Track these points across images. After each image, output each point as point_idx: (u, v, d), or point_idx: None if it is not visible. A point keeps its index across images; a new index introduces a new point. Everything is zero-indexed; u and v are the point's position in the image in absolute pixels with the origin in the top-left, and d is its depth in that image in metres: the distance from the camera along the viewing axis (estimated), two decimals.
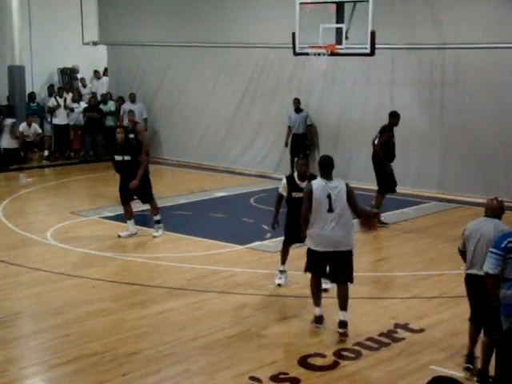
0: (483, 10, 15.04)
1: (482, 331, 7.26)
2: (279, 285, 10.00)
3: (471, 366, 7.32)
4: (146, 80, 21.12)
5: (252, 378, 7.25)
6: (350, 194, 8.32)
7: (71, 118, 21.08)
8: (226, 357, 7.78)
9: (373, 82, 16.71)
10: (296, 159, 17.44)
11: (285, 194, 9.68)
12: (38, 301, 9.61)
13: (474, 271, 7.10)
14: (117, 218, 13.71)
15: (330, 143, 17.51)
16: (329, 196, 8.19)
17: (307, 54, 14.47)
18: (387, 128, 13.52)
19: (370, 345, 8.08)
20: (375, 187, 13.95)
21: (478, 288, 7.03)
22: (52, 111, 20.82)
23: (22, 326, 8.96)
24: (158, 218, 12.68)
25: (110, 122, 21.16)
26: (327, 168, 8.38)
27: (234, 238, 12.43)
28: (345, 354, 7.87)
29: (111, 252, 11.78)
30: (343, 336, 8.19)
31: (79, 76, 23.49)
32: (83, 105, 21.36)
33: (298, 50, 14.61)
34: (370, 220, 9.43)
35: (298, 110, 17.59)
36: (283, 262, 10.04)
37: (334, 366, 7.59)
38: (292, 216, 9.46)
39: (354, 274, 8.57)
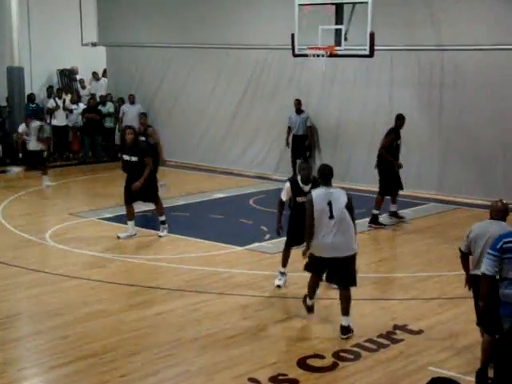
0: (482, 11, 15.05)
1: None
2: (278, 286, 10.01)
3: None
4: (145, 81, 21.13)
5: (251, 380, 7.25)
6: (350, 203, 8.40)
7: (70, 119, 21.09)
8: (225, 358, 7.78)
9: (372, 83, 16.72)
10: (298, 162, 17.50)
11: (287, 198, 9.69)
12: (37, 302, 9.60)
13: (480, 272, 7.12)
14: (116, 219, 13.73)
15: (329, 144, 17.54)
16: (329, 203, 8.27)
17: (306, 55, 14.46)
18: (392, 130, 13.56)
19: (368, 346, 8.07)
20: (374, 188, 13.96)
21: None
22: (51, 112, 20.82)
23: (20, 327, 8.95)
24: (162, 218, 12.73)
25: (108, 123, 21.20)
26: (326, 177, 8.52)
27: (233, 240, 12.43)
28: (344, 355, 7.86)
29: (110, 253, 11.77)
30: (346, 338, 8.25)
31: (78, 77, 23.49)
32: (82, 106, 21.37)
33: (297, 51, 14.62)
34: None
35: (298, 111, 17.60)
36: (284, 264, 10.04)
37: (333, 367, 7.59)
38: (295, 219, 9.51)
39: None
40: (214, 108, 19.66)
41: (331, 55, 14.12)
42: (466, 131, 15.49)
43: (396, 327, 8.60)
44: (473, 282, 7.34)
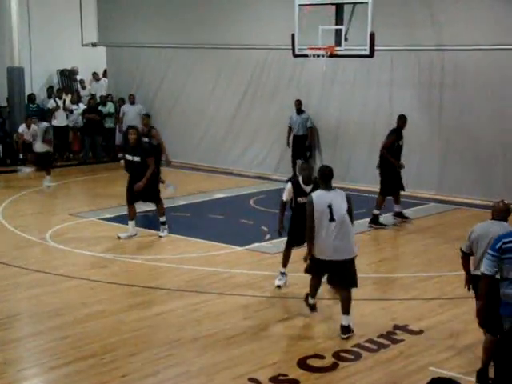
0: (482, 11, 15.05)
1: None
2: (278, 286, 10.01)
3: None
4: (146, 81, 21.14)
5: (251, 380, 7.25)
6: (350, 203, 8.44)
7: (70, 119, 21.08)
8: (226, 358, 7.78)
9: (372, 83, 16.72)
10: (297, 162, 17.48)
11: (289, 199, 9.71)
12: (36, 302, 9.60)
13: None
14: (116, 219, 13.73)
15: (329, 144, 17.54)
16: (329, 206, 8.29)
17: (307, 55, 14.47)
18: (394, 131, 13.56)
19: (369, 346, 8.07)
20: (374, 188, 13.95)
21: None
22: (51, 113, 20.82)
23: (20, 328, 8.95)
24: (163, 219, 12.76)
25: (109, 123, 21.20)
26: (326, 178, 8.54)
27: (233, 240, 12.42)
28: (344, 355, 7.86)
29: (110, 253, 11.77)
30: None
31: (78, 77, 23.49)
32: (82, 106, 21.37)
33: (297, 52, 14.62)
34: None
35: (299, 111, 17.60)
36: (285, 264, 10.05)
37: (333, 367, 7.59)
38: (296, 220, 9.52)
39: None
40: (214, 108, 19.66)
41: (331, 55, 14.13)
42: (465, 131, 15.49)
43: (396, 327, 8.60)
44: (474, 282, 7.34)
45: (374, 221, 13.39)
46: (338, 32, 14.11)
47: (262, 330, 8.56)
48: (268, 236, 12.46)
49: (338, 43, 14.04)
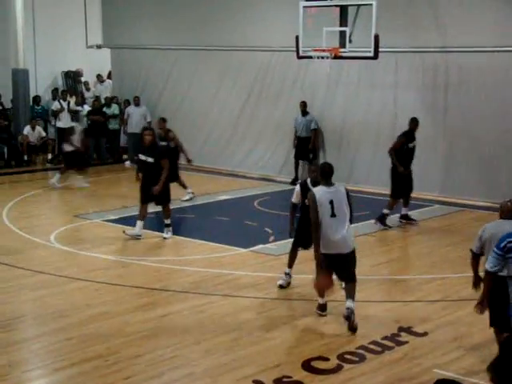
0: (486, 13, 15.04)
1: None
2: (281, 286, 10.01)
3: None
4: (150, 83, 21.15)
5: (256, 382, 7.24)
6: (349, 196, 8.69)
7: (77, 122, 21.08)
8: (230, 360, 7.77)
9: (376, 85, 16.72)
10: (302, 163, 17.49)
11: (298, 201, 9.74)
12: (41, 304, 9.60)
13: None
14: (120, 221, 13.73)
15: (333, 145, 17.53)
16: (331, 202, 8.45)
17: (311, 57, 14.48)
18: (404, 134, 13.52)
19: (373, 348, 8.06)
20: (378, 190, 13.92)
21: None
22: (56, 114, 20.85)
23: (25, 329, 8.95)
24: (168, 221, 12.79)
25: (113, 125, 21.23)
26: (327, 175, 8.69)
27: (237, 241, 12.43)
28: (348, 357, 7.85)
29: (115, 255, 11.79)
30: (348, 321, 8.40)
31: (83, 79, 23.53)
32: (87, 108, 21.39)
33: (301, 53, 14.61)
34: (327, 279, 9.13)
35: (304, 113, 17.60)
36: (290, 265, 10.06)
37: (337, 369, 7.58)
38: (304, 221, 9.53)
39: (358, 277, 8.78)
40: (218, 110, 19.68)
41: (336, 57, 14.13)
42: (470, 133, 15.48)
43: (401, 329, 8.59)
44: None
45: (381, 219, 13.28)
46: (342, 34, 14.11)
47: (266, 332, 8.55)
48: (272, 238, 12.47)
49: (343, 45, 14.04)
